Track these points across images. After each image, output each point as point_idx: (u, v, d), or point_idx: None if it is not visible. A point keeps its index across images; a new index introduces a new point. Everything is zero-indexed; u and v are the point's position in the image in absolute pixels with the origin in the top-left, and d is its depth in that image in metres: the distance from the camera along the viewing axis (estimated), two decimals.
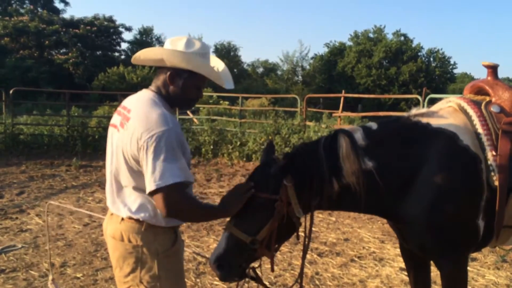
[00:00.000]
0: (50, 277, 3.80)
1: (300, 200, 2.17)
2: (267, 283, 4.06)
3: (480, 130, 2.32)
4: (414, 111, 2.50)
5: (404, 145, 2.32)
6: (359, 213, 2.91)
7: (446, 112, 2.47)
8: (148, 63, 2.17)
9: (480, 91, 2.67)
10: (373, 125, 2.41)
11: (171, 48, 2.02)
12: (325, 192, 2.23)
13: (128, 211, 1.96)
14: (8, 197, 7.33)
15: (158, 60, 2.03)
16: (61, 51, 38.72)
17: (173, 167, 1.81)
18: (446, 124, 2.35)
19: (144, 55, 2.07)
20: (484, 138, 2.29)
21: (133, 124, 1.89)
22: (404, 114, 2.53)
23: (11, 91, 12.52)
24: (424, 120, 2.39)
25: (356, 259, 4.88)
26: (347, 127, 2.54)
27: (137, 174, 1.92)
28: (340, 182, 2.23)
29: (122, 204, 1.98)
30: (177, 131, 1.89)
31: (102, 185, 8.12)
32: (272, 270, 2.31)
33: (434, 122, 2.37)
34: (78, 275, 4.23)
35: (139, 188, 1.93)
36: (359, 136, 2.30)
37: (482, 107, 2.41)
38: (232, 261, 2.11)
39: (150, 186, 1.81)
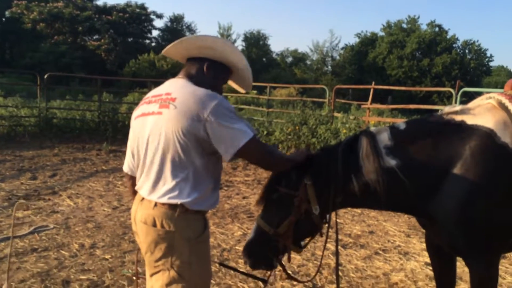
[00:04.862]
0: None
1: (321, 198, 2.27)
2: (290, 272, 4.10)
3: None
4: (447, 108, 2.40)
5: (434, 144, 2.24)
6: (382, 210, 2.89)
7: (484, 108, 2.33)
8: (186, 52, 2.17)
9: None
10: (402, 125, 2.38)
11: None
12: (345, 190, 2.29)
13: (164, 197, 1.95)
14: (42, 178, 7.59)
15: (205, 47, 2.10)
16: (94, 37, 39.45)
17: (243, 124, 1.95)
18: (482, 121, 2.23)
19: (188, 42, 2.11)
20: None
21: (184, 102, 1.92)
22: (437, 112, 2.45)
23: (45, 76, 12.80)
24: (458, 118, 2.30)
25: (380, 252, 4.84)
26: (375, 119, 2.53)
27: (186, 150, 1.92)
28: (360, 181, 2.26)
29: (158, 190, 1.97)
30: (226, 100, 1.99)
31: None
32: (289, 260, 2.44)
33: (469, 119, 2.27)
34: (107, 257, 4.35)
35: (184, 167, 1.93)
36: (385, 136, 2.30)
37: None
38: (258, 251, 2.32)
39: (238, 142, 1.91)
